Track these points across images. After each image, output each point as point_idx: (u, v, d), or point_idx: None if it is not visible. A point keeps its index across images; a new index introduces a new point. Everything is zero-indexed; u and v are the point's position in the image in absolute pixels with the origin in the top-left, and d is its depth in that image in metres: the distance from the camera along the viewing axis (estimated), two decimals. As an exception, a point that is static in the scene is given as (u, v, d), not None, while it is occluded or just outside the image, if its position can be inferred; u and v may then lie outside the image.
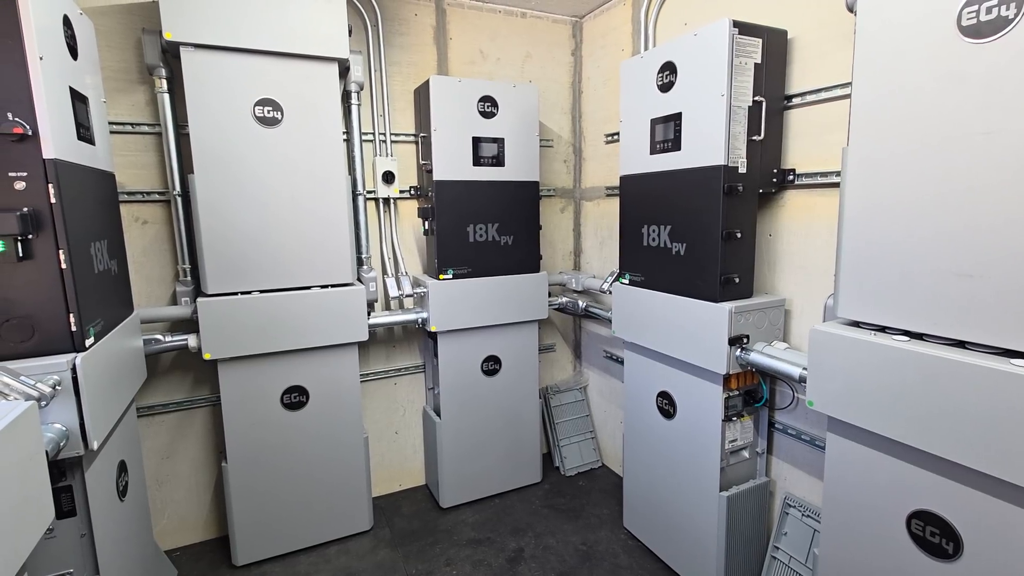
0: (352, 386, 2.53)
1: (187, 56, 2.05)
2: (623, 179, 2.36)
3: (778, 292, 2.11)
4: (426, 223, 2.70)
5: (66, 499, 1.48)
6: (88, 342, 1.46)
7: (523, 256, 2.83)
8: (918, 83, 1.30)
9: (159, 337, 2.23)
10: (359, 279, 2.61)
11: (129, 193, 2.30)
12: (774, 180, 2.02)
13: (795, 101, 1.98)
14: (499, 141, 2.69)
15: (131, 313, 1.90)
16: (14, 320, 1.36)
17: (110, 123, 2.22)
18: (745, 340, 1.94)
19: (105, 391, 1.55)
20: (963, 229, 1.23)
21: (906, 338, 1.37)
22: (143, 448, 2.42)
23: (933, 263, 1.30)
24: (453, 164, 2.61)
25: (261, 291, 2.27)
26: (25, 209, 1.34)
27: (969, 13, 1.19)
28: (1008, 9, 1.13)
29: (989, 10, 1.16)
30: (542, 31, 3.11)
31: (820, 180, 1.91)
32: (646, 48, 2.65)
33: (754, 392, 2.10)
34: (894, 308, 1.40)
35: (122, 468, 1.73)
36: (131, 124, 2.28)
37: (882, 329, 1.45)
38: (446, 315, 2.67)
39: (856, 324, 1.52)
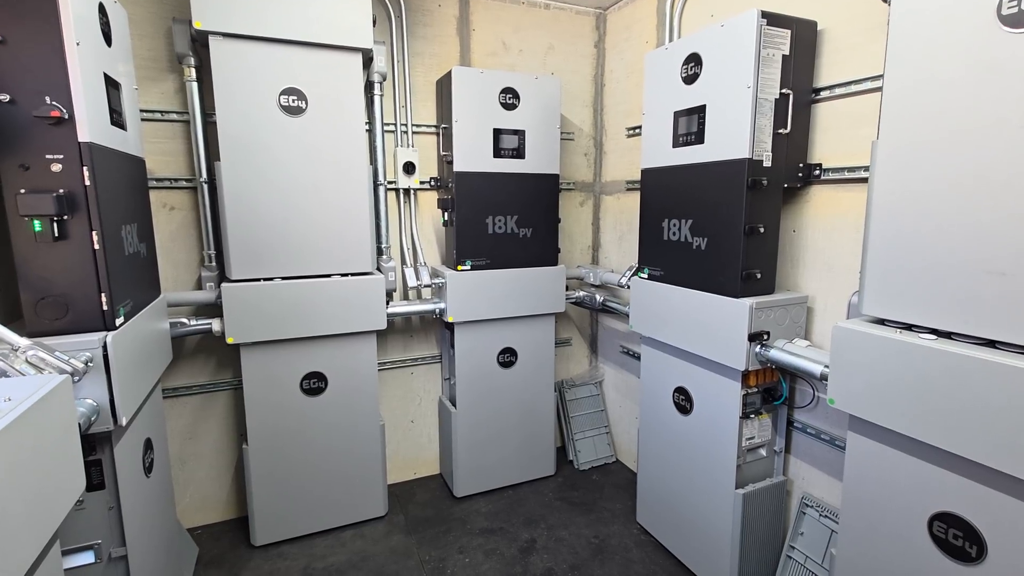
0: (370, 374, 2.56)
1: (215, 45, 2.09)
2: (644, 172, 2.34)
3: (801, 289, 2.08)
4: (445, 214, 2.71)
5: (95, 473, 1.53)
6: (118, 321, 1.51)
7: (541, 249, 2.83)
8: (954, 73, 1.26)
9: (184, 321, 2.29)
10: (378, 268, 2.64)
11: (157, 179, 2.36)
12: (800, 175, 1.98)
13: (823, 94, 1.94)
14: (520, 133, 2.69)
15: (158, 296, 1.95)
16: (49, 298, 1.41)
17: (141, 111, 2.27)
18: (765, 336, 1.91)
19: (134, 370, 1.60)
20: (996, 225, 1.20)
21: (933, 337, 1.34)
22: (168, 428, 2.49)
23: (964, 260, 1.27)
24: (473, 155, 2.61)
25: (283, 278, 2.31)
26: (61, 191, 1.38)
27: (1011, 2, 1.15)
28: (1052, -3, 1.09)
29: (1032, -2, 1.12)
30: (565, 23, 3.09)
31: (847, 175, 1.87)
32: (671, 40, 2.62)
33: (773, 390, 2.08)
34: (921, 306, 1.37)
35: (148, 446, 1.79)
36: (160, 112, 2.34)
37: (908, 327, 1.42)
38: (463, 306, 2.68)
39: (881, 322, 1.49)
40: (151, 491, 1.80)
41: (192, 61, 2.24)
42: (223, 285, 2.22)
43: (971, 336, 1.28)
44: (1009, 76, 1.16)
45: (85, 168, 1.40)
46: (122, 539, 1.57)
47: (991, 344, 1.25)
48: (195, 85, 2.26)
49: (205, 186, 2.33)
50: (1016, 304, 1.17)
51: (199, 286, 2.46)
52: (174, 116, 2.36)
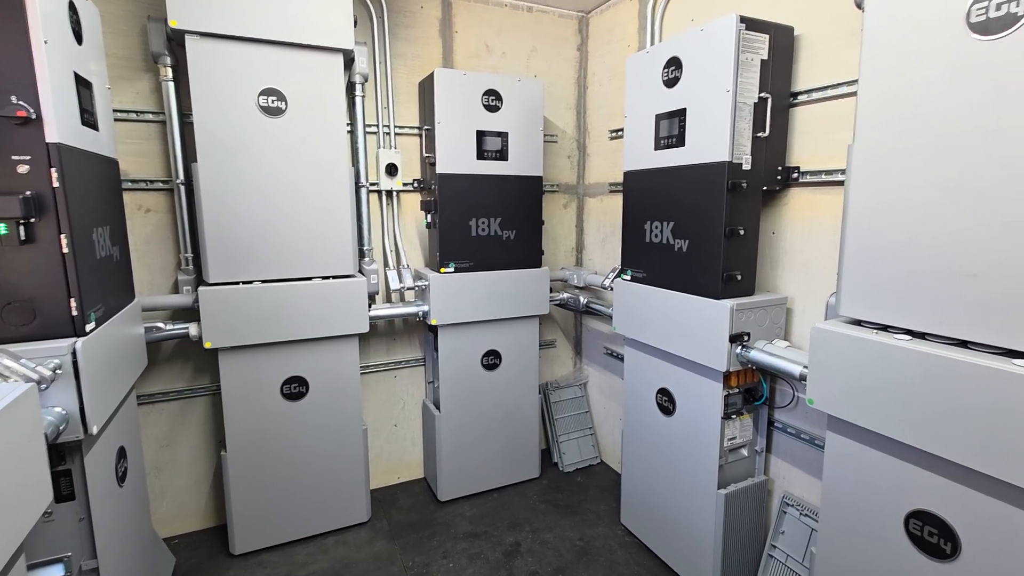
0: (352, 378, 2.53)
1: (192, 44, 2.05)
2: (627, 175, 2.35)
3: (780, 290, 2.10)
4: (428, 216, 2.69)
5: (65, 483, 1.48)
6: (89, 327, 1.47)
7: (525, 251, 2.83)
8: (926, 80, 1.29)
9: (160, 325, 2.24)
10: (360, 271, 2.61)
11: (132, 181, 2.30)
12: (778, 178, 2.01)
13: (801, 98, 1.96)
14: (503, 135, 2.68)
15: (132, 300, 1.90)
16: (15, 303, 1.36)
17: (114, 111, 2.22)
18: (746, 338, 1.93)
19: (105, 376, 1.56)
20: (969, 228, 1.22)
21: (908, 337, 1.36)
22: (143, 436, 2.43)
23: (937, 262, 1.29)
24: (456, 157, 2.60)
25: (263, 281, 2.27)
26: (28, 193, 1.34)
27: (979, 9, 1.18)
28: (1018, 6, 1.11)
29: (999, 6, 1.14)
30: (548, 26, 3.10)
31: (825, 178, 1.90)
32: (652, 44, 2.64)
33: (754, 390, 2.10)
34: (897, 307, 1.39)
35: (121, 454, 1.74)
36: (135, 112, 2.28)
37: (884, 328, 1.44)
38: (447, 308, 2.66)
39: (858, 323, 1.51)
40: (124, 501, 1.75)
41: (168, 60, 2.19)
42: (200, 289, 2.17)
43: (945, 336, 1.31)
44: (979, 83, 1.19)
45: (53, 169, 1.36)
46: (93, 551, 1.52)
47: (964, 344, 1.28)
48: (171, 85, 2.22)
49: (182, 188, 2.29)
50: (988, 305, 1.20)
51: (176, 290, 2.41)
52: (150, 116, 2.31)
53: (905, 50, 1.33)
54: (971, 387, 1.19)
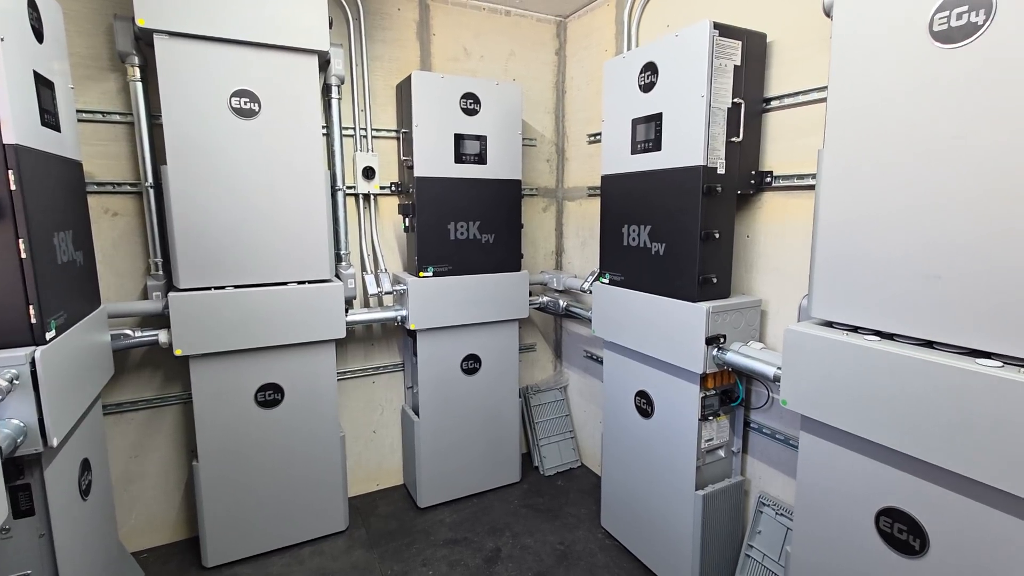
0: (329, 384, 2.49)
1: (161, 44, 2.00)
2: (604, 179, 2.36)
3: (755, 293, 2.13)
4: (406, 220, 2.67)
5: (24, 498, 1.42)
6: (49, 335, 1.41)
7: (504, 255, 2.82)
8: (891, 87, 1.32)
9: (128, 332, 2.17)
10: (337, 275, 2.58)
11: (99, 184, 2.24)
12: (752, 182, 2.04)
13: (773, 104, 2.00)
14: (481, 139, 2.68)
15: (98, 307, 1.84)
16: (-31, 311, 1.31)
17: (79, 111, 2.16)
18: (722, 340, 1.95)
19: (67, 387, 1.50)
20: (933, 231, 1.25)
21: (877, 338, 1.39)
22: (111, 447, 2.35)
23: (904, 264, 1.32)
24: (434, 161, 2.58)
25: (236, 286, 2.22)
26: (-17, 196, 1.29)
27: (940, 18, 1.21)
28: (977, 15, 1.15)
29: (959, 16, 1.18)
30: (526, 30, 3.11)
31: (796, 183, 1.93)
32: (629, 49, 2.66)
33: (730, 391, 2.12)
34: (866, 308, 1.42)
35: (85, 466, 1.68)
36: (101, 112, 2.22)
37: (854, 329, 1.47)
38: (426, 313, 2.64)
39: (830, 324, 1.54)
40: (89, 515, 1.69)
41: (136, 60, 2.13)
42: (171, 294, 2.11)
43: (912, 337, 1.34)
44: (941, 91, 1.22)
45: (11, 172, 1.31)
46: (55, 568, 1.46)
47: (930, 345, 1.31)
48: (139, 85, 2.16)
49: (151, 191, 2.23)
50: (951, 306, 1.23)
51: (145, 296, 2.34)
52: (117, 117, 2.25)
53: (871, 58, 1.36)
54: (936, 386, 1.22)
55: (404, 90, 2.63)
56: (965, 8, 1.17)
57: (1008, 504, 1.15)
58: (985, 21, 1.14)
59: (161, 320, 2.26)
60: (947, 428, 1.20)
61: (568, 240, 3.34)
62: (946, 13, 1.20)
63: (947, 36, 1.20)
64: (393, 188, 2.83)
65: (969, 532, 1.22)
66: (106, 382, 1.87)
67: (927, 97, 1.25)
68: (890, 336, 1.39)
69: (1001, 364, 1.15)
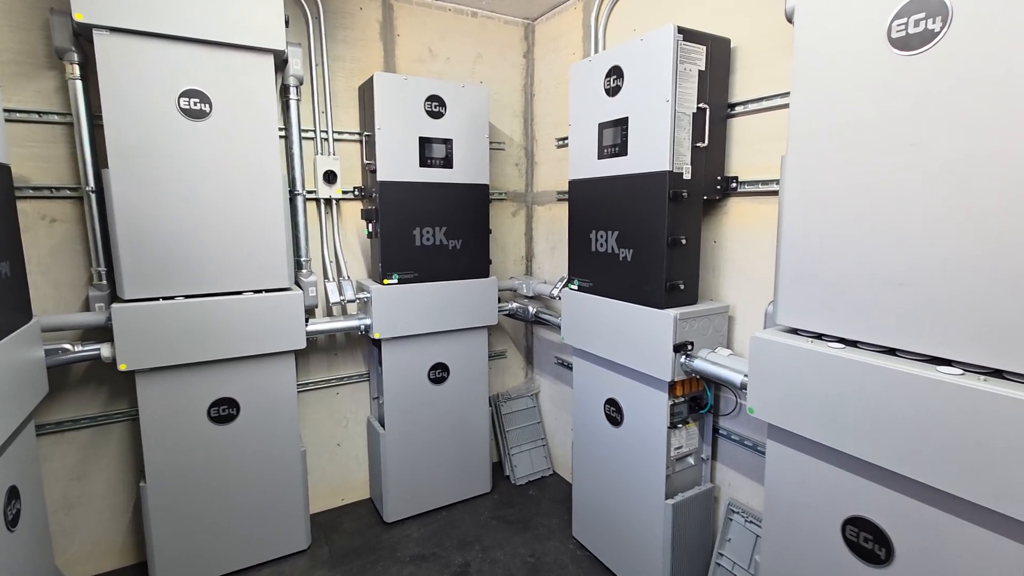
0: (288, 397, 2.38)
1: (101, 40, 1.88)
2: (572, 183, 2.32)
3: (722, 298, 2.12)
4: (370, 225, 2.58)
5: (-64, 534, 1.29)
6: (-36, 355, 1.29)
7: (472, 261, 2.76)
8: (852, 93, 1.31)
9: (67, 346, 2.03)
10: (297, 283, 2.47)
11: (35, 188, 2.09)
12: (718, 187, 2.03)
13: (738, 109, 1.99)
14: (447, 142, 2.61)
15: (28, 321, 1.71)
16: None
17: (13, 111, 2.03)
18: (690, 347, 1.93)
19: (-12, 409, 1.37)
20: (894, 237, 1.25)
21: (841, 345, 1.38)
22: (49, 468, 2.21)
23: (867, 270, 1.31)
24: (398, 164, 2.51)
25: (186, 296, 2.11)
26: None
27: (899, 25, 1.21)
28: (934, 22, 1.14)
29: (917, 23, 1.17)
30: (493, 32, 3.06)
31: (761, 188, 1.93)
32: (596, 52, 2.64)
33: (699, 398, 2.10)
34: (830, 315, 1.41)
35: (12, 495, 1.54)
36: (37, 112, 2.08)
37: (819, 336, 1.46)
38: (391, 321, 2.56)
39: (795, 331, 1.53)
40: (16, 546, 1.56)
41: (75, 57, 2.00)
42: (114, 306, 1.99)
43: (875, 344, 1.33)
44: (900, 97, 1.21)
45: (-83, 176, 1.19)
46: (-27, 609, 1.34)
47: (892, 352, 1.30)
48: (79, 84, 2.03)
49: (92, 196, 2.09)
50: (913, 313, 1.22)
51: (87, 307, 2.20)
52: (55, 117, 2.11)
53: (832, 64, 1.35)
54: (898, 394, 1.21)
55: (366, 92, 2.55)
56: (923, 15, 1.16)
57: (971, 513, 1.14)
58: (942, 28, 1.13)
59: (105, 333, 2.12)
60: (909, 436, 1.19)
61: (538, 245, 3.30)
62: (904, 20, 1.20)
63: (905, 43, 1.20)
64: (356, 192, 2.74)
65: (934, 542, 1.21)
66: (38, 402, 1.74)
67: (886, 103, 1.24)
68: (854, 343, 1.38)
69: (962, 372, 1.15)
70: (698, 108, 1.90)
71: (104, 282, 2.15)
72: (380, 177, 2.47)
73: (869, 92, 1.28)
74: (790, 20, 1.68)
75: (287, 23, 2.19)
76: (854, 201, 1.32)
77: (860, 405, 1.28)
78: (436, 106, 2.57)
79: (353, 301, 2.63)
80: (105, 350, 2.05)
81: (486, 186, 2.75)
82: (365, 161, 2.65)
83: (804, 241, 1.44)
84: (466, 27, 2.97)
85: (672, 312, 1.90)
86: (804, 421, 1.42)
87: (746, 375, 1.73)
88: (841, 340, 1.41)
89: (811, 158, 1.41)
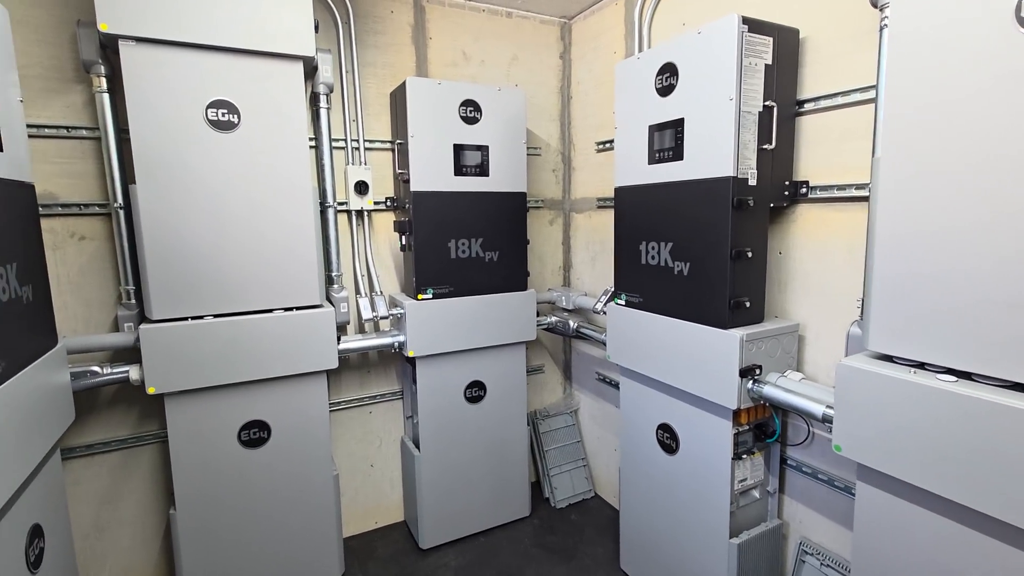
0: (320, 418, 2.27)
1: (127, 51, 1.81)
2: (618, 191, 2.16)
3: (790, 316, 1.92)
4: (403, 238, 2.47)
5: (-46, 582, 1.21)
6: (-18, 389, 1.21)
7: (509, 273, 2.61)
8: (965, 85, 1.12)
9: (96, 369, 1.96)
10: (329, 300, 2.37)
11: (64, 205, 2.04)
12: (786, 193, 1.83)
13: (808, 106, 1.80)
14: (483, 149, 2.48)
15: (53, 346, 1.63)
16: None
17: (41, 127, 1.98)
18: (757, 371, 1.74)
19: (4, 453, 1.29)
20: (1021, 253, 1.05)
21: (953, 378, 1.19)
22: (80, 492, 2.15)
23: (983, 292, 1.12)
24: (432, 173, 2.39)
25: (215, 316, 2.02)
26: None
27: (1034, 1, 1.01)
28: (1084, -4, 0.95)
29: (1060, -3, 0.98)
30: (529, 32, 2.92)
31: (837, 194, 1.73)
32: (641, 50, 2.47)
33: (765, 425, 1.91)
34: (936, 342, 1.22)
35: (35, 533, 1.46)
36: (66, 128, 2.02)
37: (920, 365, 1.26)
38: (425, 338, 2.43)
39: (888, 358, 1.33)
40: (41, 587, 1.48)
41: (102, 70, 1.94)
42: (142, 327, 1.91)
43: (993, 378, 1.13)
44: (1037, 85, 1.02)
45: (-69, 200, 1.11)
46: (-6, 659, 1.25)
47: (1019, 388, 1.10)
48: (106, 97, 1.97)
49: (120, 212, 2.02)
50: (1050, 344, 1.02)
51: (116, 327, 2.14)
52: (83, 132, 2.05)
53: (937, 51, 1.16)
54: (1034, 441, 1.01)
55: (399, 98, 2.43)
56: (1069, -13, 0.97)
57: None
58: (1099, 1, 0.94)
59: (134, 354, 2.05)
60: (1053, 493, 0.99)
61: (577, 255, 3.13)
62: (1041, -6, 1.00)
63: (1043, 21, 1.00)
64: (388, 203, 2.63)
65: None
66: (63, 431, 1.66)
67: (1013, 95, 1.05)
68: (966, 375, 1.18)
69: None
70: (765, 106, 1.72)
71: (133, 301, 2.08)
72: (413, 187, 2.35)
73: (991, 83, 1.08)
74: (875, 6, 1.49)
75: (316, 28, 2.09)
76: (968, 210, 1.13)
77: (976, 448, 1.10)
78: (471, 111, 2.43)
79: (386, 317, 2.52)
80: (134, 372, 1.98)
81: (524, 194, 2.61)
82: (397, 170, 2.54)
83: (903, 256, 1.25)
84: (501, 28, 2.83)
85: (737, 332, 1.72)
86: (903, 463, 1.23)
87: (829, 406, 1.53)
88: (950, 371, 1.21)
89: (911, 158, 1.22)
